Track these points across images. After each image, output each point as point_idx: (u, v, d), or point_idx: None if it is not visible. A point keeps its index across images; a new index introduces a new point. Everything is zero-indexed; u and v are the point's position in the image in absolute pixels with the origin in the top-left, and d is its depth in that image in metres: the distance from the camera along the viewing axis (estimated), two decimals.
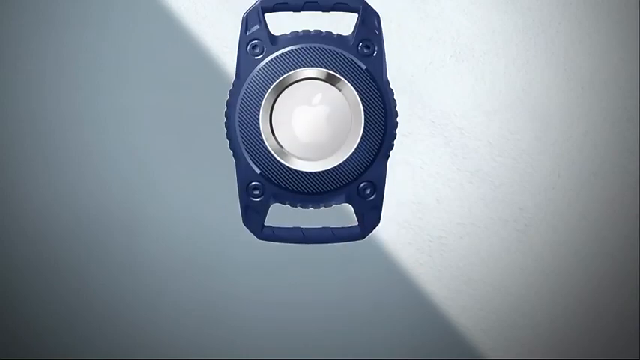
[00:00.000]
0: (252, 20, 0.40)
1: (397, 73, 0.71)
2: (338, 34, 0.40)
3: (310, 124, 0.37)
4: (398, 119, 0.42)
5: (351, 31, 0.40)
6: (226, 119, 0.39)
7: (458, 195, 0.75)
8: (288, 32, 0.41)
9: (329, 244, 0.42)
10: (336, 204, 0.39)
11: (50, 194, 0.72)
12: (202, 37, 0.81)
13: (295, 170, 0.37)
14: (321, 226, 0.41)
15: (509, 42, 0.72)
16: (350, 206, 0.40)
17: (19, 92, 0.77)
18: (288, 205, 0.40)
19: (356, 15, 0.40)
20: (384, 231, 0.72)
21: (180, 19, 0.81)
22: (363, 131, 0.37)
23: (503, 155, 0.76)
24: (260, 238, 0.41)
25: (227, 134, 0.39)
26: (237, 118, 0.37)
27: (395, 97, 0.42)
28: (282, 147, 0.37)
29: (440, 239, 0.72)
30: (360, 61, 0.38)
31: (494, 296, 0.68)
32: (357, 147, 0.37)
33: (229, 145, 0.39)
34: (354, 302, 0.70)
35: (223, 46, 0.78)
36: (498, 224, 0.73)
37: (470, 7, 0.71)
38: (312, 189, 0.37)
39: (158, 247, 0.69)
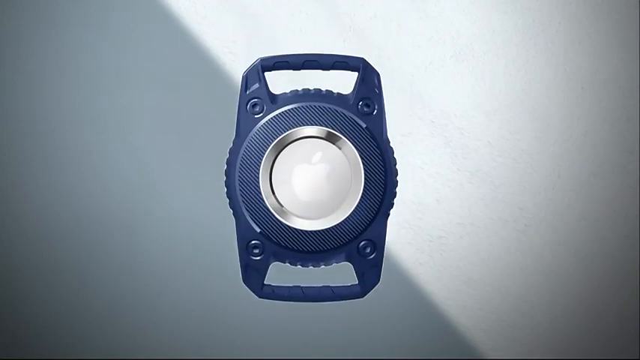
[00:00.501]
0: (252, 79, 0.40)
1: (397, 73, 0.71)
2: (338, 93, 0.40)
3: (310, 182, 0.36)
4: (398, 177, 0.41)
5: (351, 89, 0.40)
6: (226, 178, 0.38)
7: (458, 195, 0.74)
8: (288, 91, 0.40)
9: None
10: (336, 262, 0.39)
11: (50, 194, 0.72)
12: (202, 37, 0.81)
13: (295, 229, 0.36)
14: (321, 285, 0.41)
15: (509, 42, 0.72)
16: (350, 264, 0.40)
17: (19, 92, 0.77)
18: (288, 264, 0.40)
19: (356, 73, 0.40)
20: None
21: (180, 19, 0.81)
22: (363, 190, 0.37)
23: (503, 155, 0.76)
24: (260, 297, 0.41)
25: (227, 193, 0.38)
26: (237, 177, 0.37)
27: (394, 154, 0.42)
28: (282, 205, 0.37)
29: (440, 239, 0.72)
30: (360, 120, 0.38)
31: (494, 296, 0.68)
32: (357, 205, 0.37)
33: (229, 203, 0.39)
34: (354, 302, 0.70)
35: (223, 46, 0.78)
36: (498, 224, 0.73)
37: (470, 7, 0.71)
38: (312, 248, 0.37)
39: (158, 247, 0.69)
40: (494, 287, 0.69)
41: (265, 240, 0.37)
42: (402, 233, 0.72)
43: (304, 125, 0.37)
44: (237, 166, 0.37)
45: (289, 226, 0.36)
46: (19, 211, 0.71)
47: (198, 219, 0.69)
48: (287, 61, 0.39)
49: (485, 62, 0.71)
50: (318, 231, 0.36)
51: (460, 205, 0.74)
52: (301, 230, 0.36)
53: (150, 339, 0.67)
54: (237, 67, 0.80)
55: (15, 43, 0.76)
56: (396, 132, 0.71)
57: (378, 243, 0.37)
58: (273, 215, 0.36)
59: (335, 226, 0.36)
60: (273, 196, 0.36)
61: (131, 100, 0.75)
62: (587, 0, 0.73)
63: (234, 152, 0.38)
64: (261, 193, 0.36)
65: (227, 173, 0.38)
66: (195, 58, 0.79)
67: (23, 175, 0.73)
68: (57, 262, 0.69)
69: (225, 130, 0.68)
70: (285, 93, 0.40)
